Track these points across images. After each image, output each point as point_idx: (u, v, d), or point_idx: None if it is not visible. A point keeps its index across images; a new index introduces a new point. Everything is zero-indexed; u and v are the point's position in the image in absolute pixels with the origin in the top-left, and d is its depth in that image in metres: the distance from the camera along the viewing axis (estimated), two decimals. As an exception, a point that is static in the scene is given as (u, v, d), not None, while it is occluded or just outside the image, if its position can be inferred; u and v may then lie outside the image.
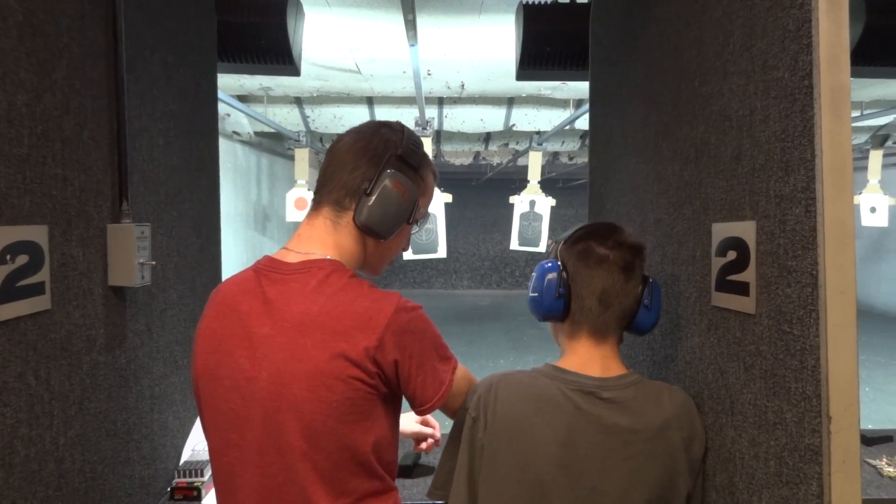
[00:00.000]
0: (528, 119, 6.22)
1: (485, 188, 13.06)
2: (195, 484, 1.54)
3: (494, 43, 3.97)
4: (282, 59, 2.21)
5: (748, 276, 1.00)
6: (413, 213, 1.13)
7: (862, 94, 5.29)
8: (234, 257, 6.40)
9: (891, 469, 1.73)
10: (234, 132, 6.55)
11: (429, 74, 4.80)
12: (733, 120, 1.05)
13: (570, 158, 8.73)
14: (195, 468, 1.56)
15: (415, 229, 1.21)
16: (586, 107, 3.74)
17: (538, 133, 6.32)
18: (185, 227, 1.70)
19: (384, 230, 1.09)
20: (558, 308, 1.18)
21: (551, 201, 5.90)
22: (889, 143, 7.00)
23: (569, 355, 1.19)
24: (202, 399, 1.06)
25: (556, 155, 8.57)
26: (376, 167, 1.08)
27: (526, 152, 6.49)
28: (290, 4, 2.17)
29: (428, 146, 5.02)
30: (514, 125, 6.34)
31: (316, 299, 1.00)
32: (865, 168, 6.53)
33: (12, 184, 1.01)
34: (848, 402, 0.81)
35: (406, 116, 5.79)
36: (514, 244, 5.87)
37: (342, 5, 3.38)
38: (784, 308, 0.90)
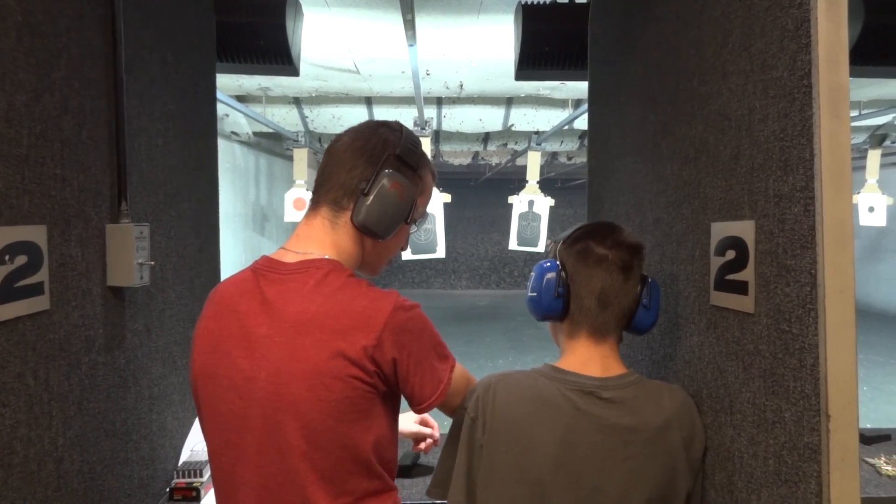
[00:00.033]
0: (526, 119, 6.22)
1: (483, 188, 13.05)
2: (194, 484, 1.54)
3: (493, 43, 3.97)
4: (281, 59, 2.21)
5: (747, 275, 1.00)
6: (411, 212, 1.13)
7: (860, 94, 5.30)
8: (233, 257, 6.39)
9: (889, 468, 1.73)
10: (233, 132, 6.55)
11: (427, 74, 4.80)
12: (732, 119, 1.05)
13: (569, 158, 8.74)
14: (194, 469, 1.56)
15: (413, 229, 1.21)
16: (585, 107, 3.76)
17: (537, 133, 6.32)
18: (184, 227, 1.69)
19: (382, 230, 1.09)
20: (557, 308, 1.18)
21: (550, 201, 5.91)
22: (887, 142, 7.01)
23: (568, 355, 1.19)
24: (201, 399, 1.06)
25: (554, 155, 8.57)
26: (374, 167, 1.08)
27: (525, 152, 6.49)
28: (288, 4, 2.17)
29: (427, 146, 5.03)
30: (512, 125, 6.34)
31: (314, 299, 1.00)
32: (863, 168, 6.54)
33: (11, 184, 1.01)
34: (846, 400, 0.81)
35: (405, 116, 5.79)
36: (513, 244, 5.88)
37: (341, 5, 3.38)
38: (783, 307, 0.90)
